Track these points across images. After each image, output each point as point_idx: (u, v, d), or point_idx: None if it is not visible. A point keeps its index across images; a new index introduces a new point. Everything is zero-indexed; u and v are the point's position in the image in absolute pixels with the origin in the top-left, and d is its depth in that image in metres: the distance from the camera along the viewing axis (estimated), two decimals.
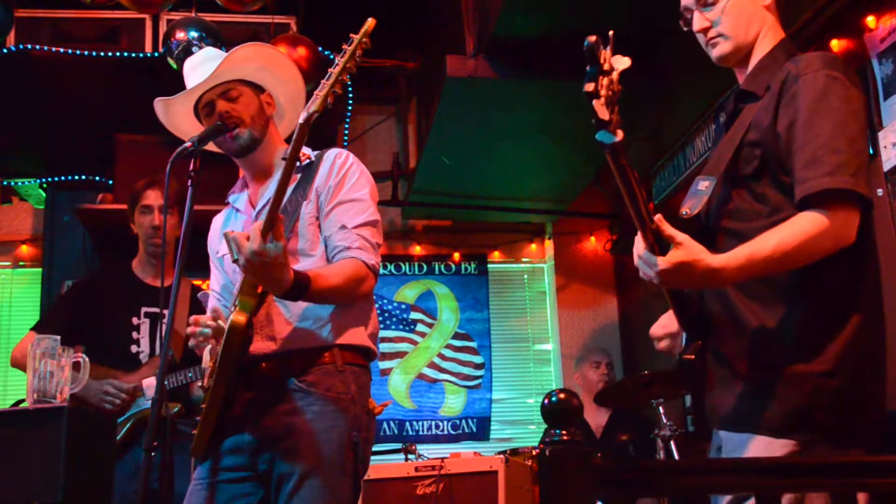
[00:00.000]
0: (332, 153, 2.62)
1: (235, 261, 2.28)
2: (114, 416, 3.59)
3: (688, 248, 1.88)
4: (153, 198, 3.79)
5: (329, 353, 2.48)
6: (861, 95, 2.06)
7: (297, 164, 2.39)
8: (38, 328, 3.80)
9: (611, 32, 1.71)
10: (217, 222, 2.80)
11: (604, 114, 1.64)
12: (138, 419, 3.64)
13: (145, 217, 3.81)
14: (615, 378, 5.59)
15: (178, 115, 2.70)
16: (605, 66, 1.65)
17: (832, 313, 1.99)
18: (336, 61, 2.32)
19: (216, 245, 2.75)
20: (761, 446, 1.96)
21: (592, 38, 1.64)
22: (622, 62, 1.69)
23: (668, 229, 1.88)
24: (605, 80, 1.64)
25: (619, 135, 1.69)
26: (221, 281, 2.72)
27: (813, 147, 1.96)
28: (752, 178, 2.07)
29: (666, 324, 2.26)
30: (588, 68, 1.64)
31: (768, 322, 2.00)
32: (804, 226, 1.92)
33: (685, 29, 2.30)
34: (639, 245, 1.91)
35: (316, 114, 2.28)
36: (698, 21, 2.22)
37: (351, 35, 2.33)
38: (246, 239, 2.23)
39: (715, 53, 2.23)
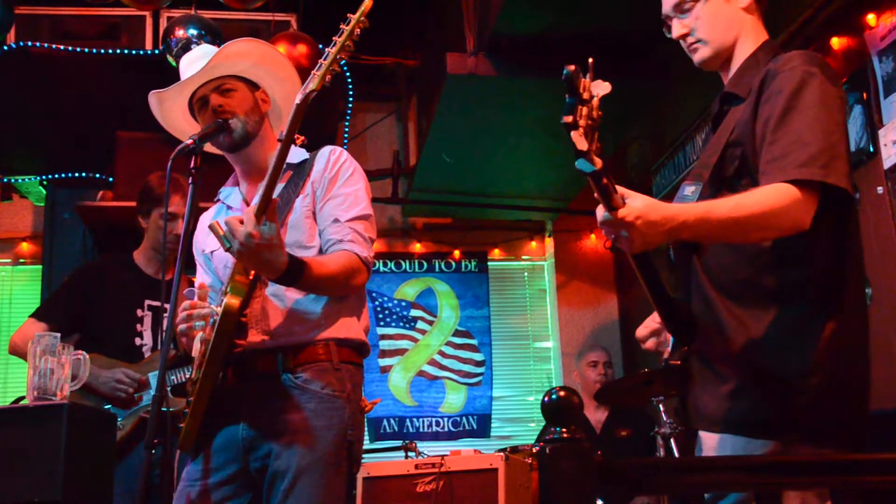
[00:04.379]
0: (326, 150, 2.62)
1: (228, 248, 2.26)
2: (116, 413, 3.59)
3: (642, 196, 1.85)
4: (179, 205, 3.73)
5: (325, 349, 2.48)
6: (839, 92, 2.05)
7: (292, 150, 2.38)
8: (38, 315, 3.79)
9: (590, 60, 1.74)
10: (205, 219, 2.78)
11: (582, 144, 1.67)
12: (143, 415, 3.63)
13: (169, 224, 3.74)
14: (614, 376, 5.59)
15: (173, 111, 2.69)
16: (585, 95, 1.68)
17: (812, 313, 1.97)
18: (333, 41, 2.32)
19: (203, 243, 2.74)
20: (739, 446, 1.96)
21: (571, 68, 1.68)
22: (603, 88, 1.72)
23: (620, 189, 1.84)
24: (584, 110, 1.68)
25: (598, 163, 1.71)
26: (208, 280, 2.71)
27: (784, 142, 1.96)
28: (734, 178, 2.07)
29: (648, 323, 2.25)
30: (567, 99, 1.67)
31: (749, 322, 2.00)
32: (769, 195, 1.91)
33: (668, 36, 2.31)
34: (599, 212, 1.86)
35: (314, 92, 2.28)
36: (677, 28, 2.24)
37: (348, 14, 2.33)
38: (239, 223, 2.22)
39: (695, 59, 2.25)
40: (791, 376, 1.94)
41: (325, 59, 2.30)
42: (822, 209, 1.95)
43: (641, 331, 2.28)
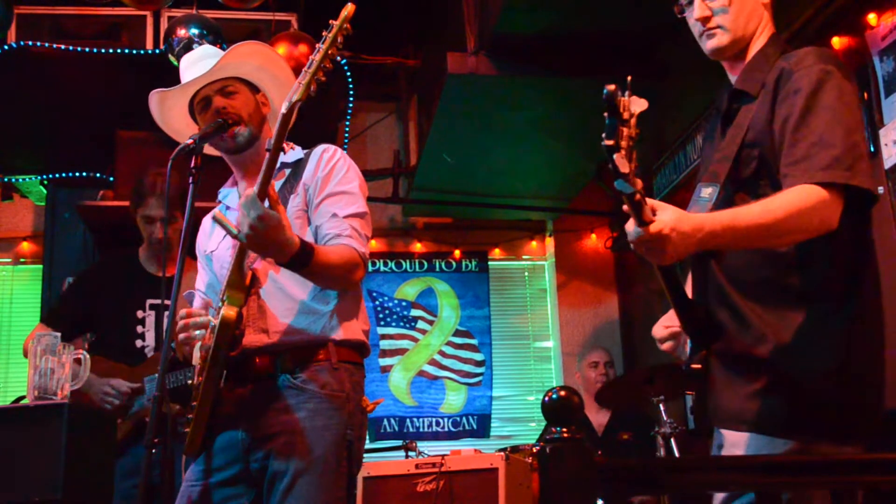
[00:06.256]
0: (319, 149, 2.62)
1: (236, 235, 2.26)
2: (115, 413, 3.59)
3: (672, 208, 1.85)
4: (154, 207, 3.75)
5: (324, 349, 2.47)
6: (855, 88, 2.04)
7: (282, 154, 2.38)
8: (46, 320, 3.81)
9: (629, 77, 1.73)
10: (206, 220, 2.79)
11: (624, 167, 1.67)
12: (140, 417, 3.63)
13: (147, 227, 3.79)
14: (615, 377, 5.59)
15: (173, 111, 2.68)
16: (625, 115, 1.67)
17: (834, 312, 1.97)
18: (316, 48, 2.31)
19: (204, 244, 2.74)
20: (762, 445, 1.96)
21: (611, 87, 1.66)
22: (640, 105, 1.71)
23: (649, 201, 1.84)
24: (624, 131, 1.67)
25: (638, 184, 1.72)
26: (207, 279, 2.71)
27: (806, 144, 1.95)
28: (752, 179, 2.06)
29: (668, 324, 2.24)
30: (607, 120, 1.66)
31: (770, 322, 1.99)
32: (795, 198, 1.90)
33: (679, 16, 2.26)
34: (630, 227, 1.85)
35: (299, 102, 2.26)
36: (699, 9, 2.17)
37: (331, 21, 2.31)
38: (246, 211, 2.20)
39: (711, 45, 2.18)
40: (814, 376, 1.95)
41: (309, 68, 2.27)
42: (845, 209, 1.95)
43: (660, 331, 2.26)
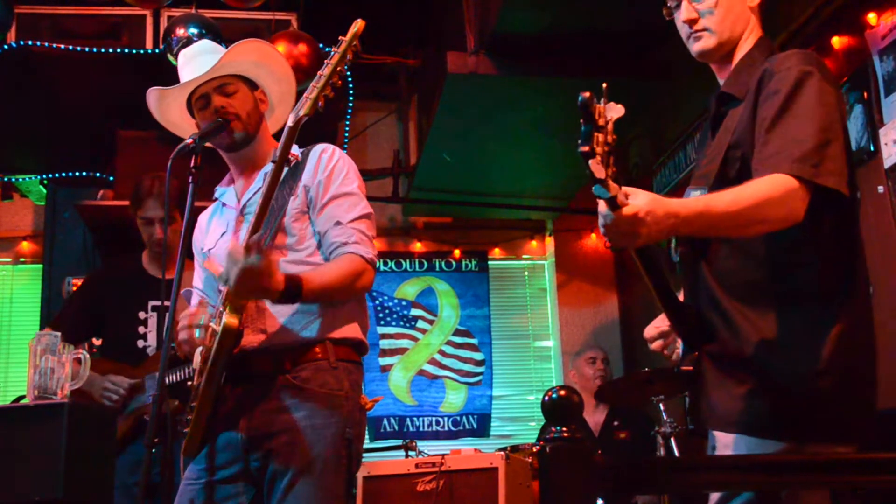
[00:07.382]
0: (318, 149, 2.61)
1: (225, 283, 2.28)
2: (115, 411, 3.60)
3: (645, 193, 1.82)
4: (153, 209, 3.77)
5: (321, 348, 2.47)
6: (836, 92, 2.04)
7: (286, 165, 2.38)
8: (53, 325, 3.82)
9: (604, 85, 1.74)
10: (203, 218, 2.79)
11: (600, 173, 1.68)
12: (138, 414, 3.65)
13: (146, 228, 3.81)
14: (612, 374, 5.59)
15: (171, 108, 2.68)
16: (600, 122, 1.68)
17: (822, 314, 1.98)
18: (325, 63, 2.30)
19: (201, 241, 2.74)
20: (752, 447, 1.96)
21: (586, 95, 1.67)
22: (616, 111, 1.72)
23: (623, 189, 1.80)
24: (599, 137, 1.68)
25: (614, 188, 1.72)
26: (204, 276, 2.71)
27: (778, 141, 1.95)
28: (737, 180, 2.05)
29: (658, 324, 2.25)
30: (582, 126, 1.67)
31: (760, 325, 2.00)
32: (764, 188, 1.89)
33: (667, 18, 2.27)
34: (602, 208, 1.81)
35: (305, 117, 2.25)
36: (686, 11, 2.18)
37: (340, 38, 2.30)
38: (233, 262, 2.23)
39: (697, 47, 2.20)
40: (803, 377, 1.95)
41: (316, 83, 2.26)
42: (823, 210, 1.95)
43: (650, 331, 2.27)
